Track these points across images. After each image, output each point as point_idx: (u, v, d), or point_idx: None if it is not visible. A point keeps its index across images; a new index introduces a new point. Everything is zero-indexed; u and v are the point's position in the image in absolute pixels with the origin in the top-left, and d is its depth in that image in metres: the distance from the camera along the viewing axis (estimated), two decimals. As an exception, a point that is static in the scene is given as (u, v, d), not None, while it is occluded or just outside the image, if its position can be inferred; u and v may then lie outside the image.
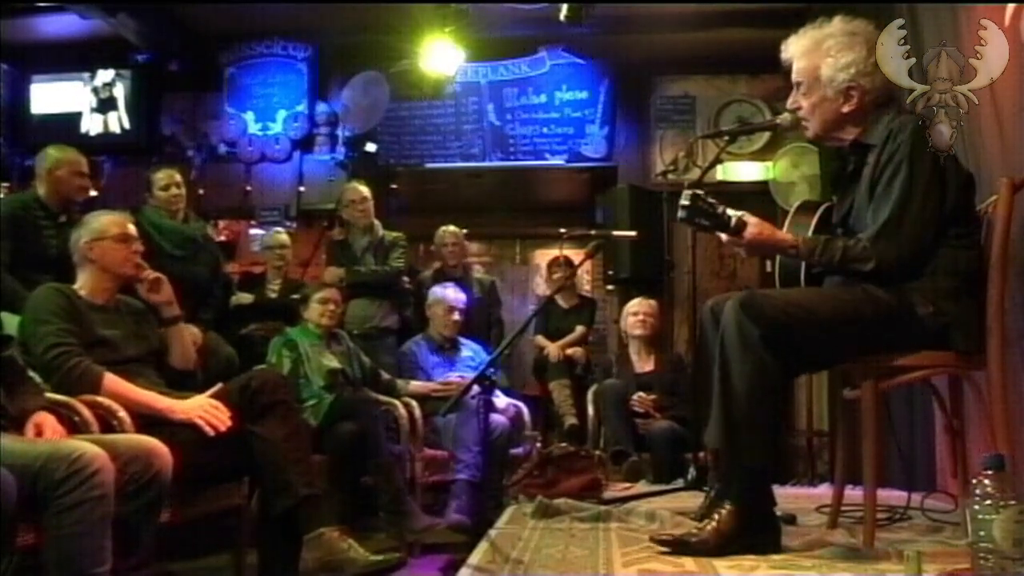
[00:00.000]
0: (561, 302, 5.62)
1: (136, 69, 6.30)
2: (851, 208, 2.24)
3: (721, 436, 2.07)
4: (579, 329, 5.58)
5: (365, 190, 4.85)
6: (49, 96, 6.41)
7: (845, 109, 2.20)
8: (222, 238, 6.12)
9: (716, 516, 2.04)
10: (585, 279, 7.34)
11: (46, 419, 2.05)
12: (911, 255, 2.08)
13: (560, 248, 5.54)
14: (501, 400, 4.19)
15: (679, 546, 2.03)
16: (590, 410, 4.59)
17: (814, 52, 2.22)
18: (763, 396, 2.03)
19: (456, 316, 4.48)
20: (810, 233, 2.29)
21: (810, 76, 2.23)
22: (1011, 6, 2.51)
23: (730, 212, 2.14)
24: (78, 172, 3.77)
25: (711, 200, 2.12)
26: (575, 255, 5.66)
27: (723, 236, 2.18)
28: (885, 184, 2.09)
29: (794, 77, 2.27)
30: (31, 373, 2.32)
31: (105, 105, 6.36)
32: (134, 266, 2.72)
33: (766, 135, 5.92)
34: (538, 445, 4.45)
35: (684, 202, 2.11)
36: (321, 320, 3.96)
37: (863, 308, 2.07)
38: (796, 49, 2.27)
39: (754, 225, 2.15)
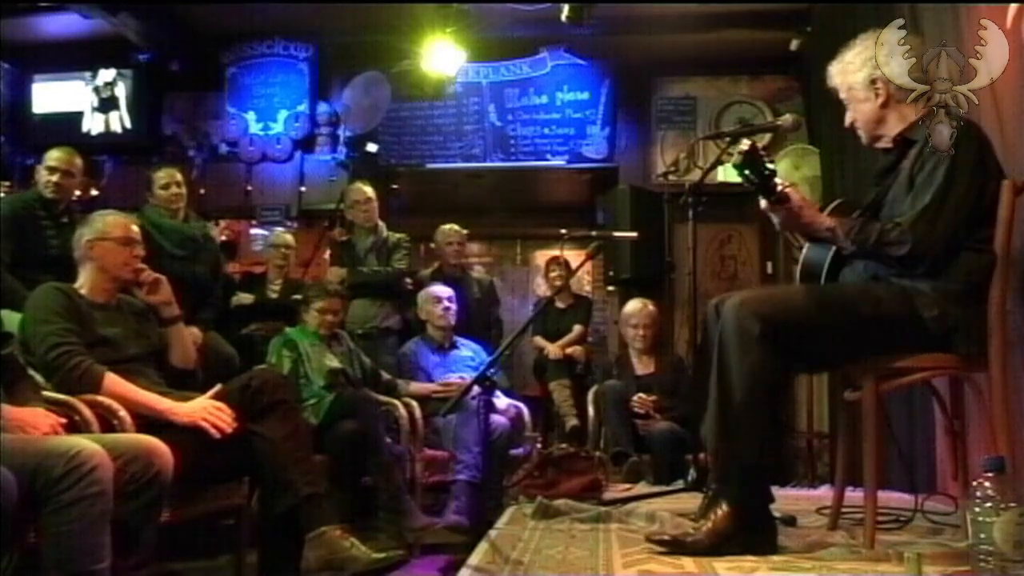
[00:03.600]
0: (557, 302, 5.63)
1: (137, 69, 6.31)
2: (883, 199, 2.25)
3: (717, 433, 2.07)
4: (577, 328, 5.58)
5: (369, 191, 4.85)
6: (50, 95, 6.43)
7: (879, 103, 2.25)
8: (223, 238, 6.12)
9: (712, 516, 2.04)
10: (586, 280, 7.35)
11: (35, 414, 2.04)
12: (944, 245, 2.08)
13: (561, 249, 5.54)
14: (501, 401, 4.19)
15: (675, 546, 2.03)
16: (590, 411, 4.59)
17: (842, 67, 2.32)
18: (761, 394, 2.03)
19: (447, 305, 4.48)
20: None
21: (845, 89, 2.32)
22: (1013, 7, 2.52)
23: (778, 180, 2.15)
24: (49, 168, 3.76)
25: (768, 161, 2.13)
26: (576, 256, 5.67)
27: (763, 201, 2.20)
28: (928, 173, 2.11)
29: (841, 97, 2.36)
30: (31, 372, 2.33)
31: (106, 105, 6.38)
32: (133, 270, 2.72)
33: (767, 136, 5.90)
34: (538, 446, 4.45)
35: (742, 148, 2.12)
36: (319, 329, 3.95)
37: (863, 309, 2.07)
38: (833, 74, 2.36)
39: (798, 200, 2.18)
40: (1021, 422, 2.33)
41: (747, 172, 2.12)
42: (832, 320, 2.08)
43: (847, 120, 2.37)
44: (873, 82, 2.23)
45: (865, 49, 2.24)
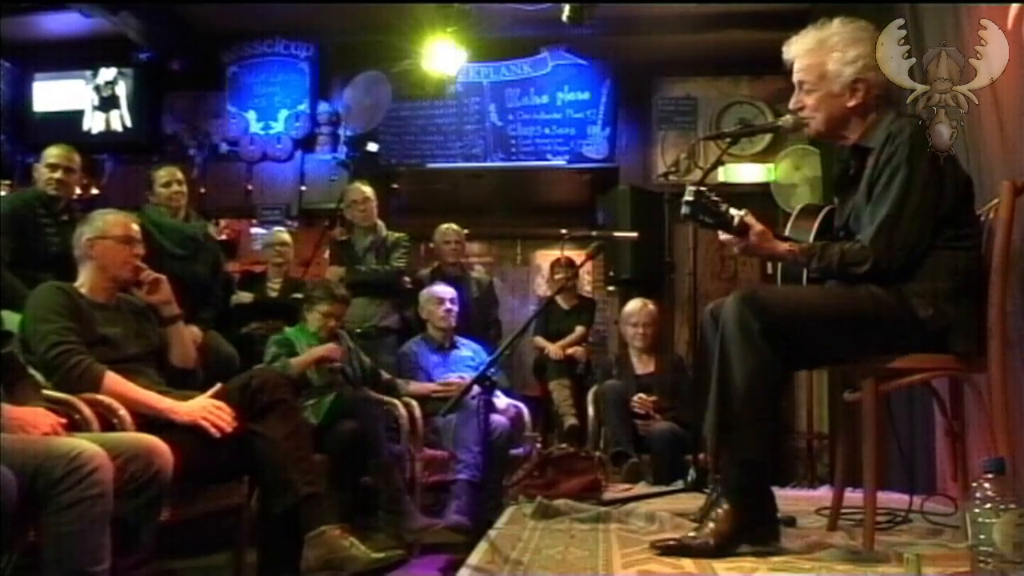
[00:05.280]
0: (561, 303, 5.62)
1: (138, 67, 6.31)
2: (852, 211, 2.25)
3: (717, 428, 2.07)
4: (579, 329, 5.57)
5: (368, 190, 4.85)
6: (51, 94, 6.43)
7: (851, 103, 2.20)
8: (223, 237, 6.12)
9: (714, 516, 2.04)
10: (586, 280, 7.35)
11: (35, 413, 2.04)
12: (907, 255, 2.09)
13: (561, 249, 5.54)
14: (501, 400, 4.18)
15: (680, 550, 2.03)
16: (590, 411, 4.59)
17: (819, 49, 2.23)
18: (762, 389, 2.04)
19: (448, 306, 4.48)
20: (812, 237, 2.29)
21: (815, 73, 2.23)
22: (1014, 7, 2.51)
23: (733, 212, 2.14)
24: (50, 165, 3.76)
25: (715, 198, 2.13)
26: (576, 256, 5.67)
27: (723, 236, 2.19)
28: (883, 185, 2.11)
29: (797, 76, 2.28)
30: (31, 371, 2.33)
31: (107, 103, 6.38)
32: (133, 269, 2.72)
33: (768, 137, 5.92)
34: (538, 446, 4.44)
35: (688, 198, 2.11)
36: (320, 332, 3.92)
37: (864, 306, 2.07)
38: (799, 48, 2.27)
39: (756, 234, 2.15)
40: (1021, 423, 2.33)
41: (701, 217, 2.13)
42: (833, 316, 2.08)
43: (795, 102, 2.29)
44: (856, 81, 2.18)
45: (859, 43, 2.17)
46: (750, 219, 2.16)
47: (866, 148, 2.21)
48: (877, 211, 2.10)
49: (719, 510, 2.05)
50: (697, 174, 5.28)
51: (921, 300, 2.07)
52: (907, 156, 2.07)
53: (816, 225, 2.33)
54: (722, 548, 2.01)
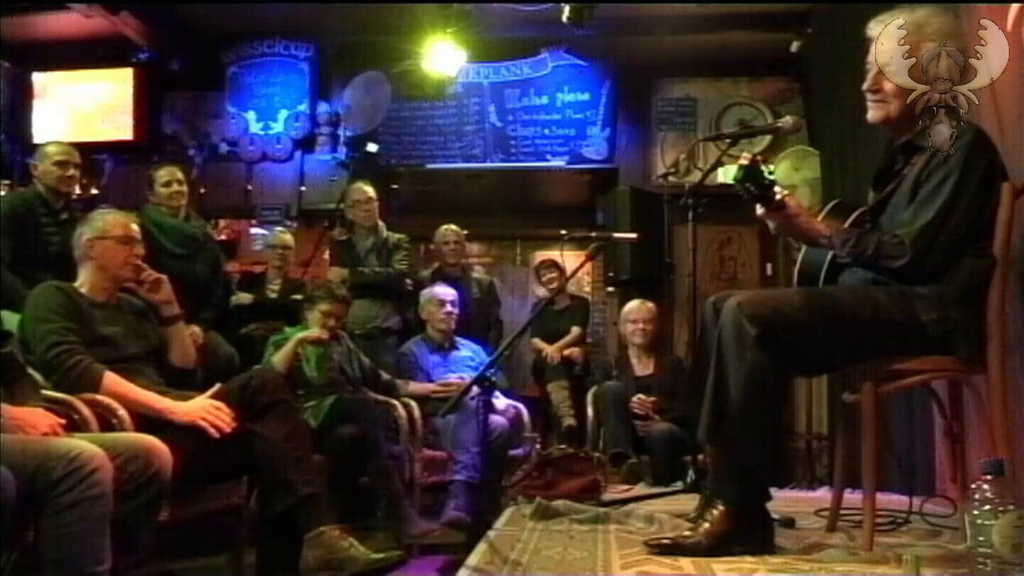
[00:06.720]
0: (553, 303, 5.62)
1: (138, 68, 6.30)
2: (885, 204, 2.24)
3: (712, 433, 2.07)
4: (575, 330, 5.56)
5: (371, 191, 4.85)
6: (51, 94, 6.41)
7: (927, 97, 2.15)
8: (223, 237, 6.13)
9: (709, 517, 2.04)
10: (585, 280, 7.35)
11: (34, 414, 2.04)
12: (944, 260, 2.07)
13: (561, 250, 5.54)
14: (501, 401, 4.18)
15: (673, 548, 2.03)
16: (589, 412, 4.59)
17: (916, 33, 2.15)
18: (758, 395, 2.03)
19: (449, 309, 4.48)
20: None
21: (907, 57, 2.13)
22: (1014, 8, 2.51)
23: (777, 188, 2.14)
24: (59, 163, 3.76)
25: (764, 170, 2.12)
26: (575, 257, 5.66)
27: (760, 209, 2.18)
28: (934, 186, 2.08)
29: (881, 57, 2.19)
30: (31, 371, 2.32)
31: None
32: (133, 268, 2.72)
33: (767, 138, 5.91)
34: (537, 446, 4.44)
35: (743, 163, 2.10)
36: (321, 334, 3.90)
37: (863, 311, 2.07)
38: (906, 31, 2.16)
39: (794, 207, 2.16)
40: (1020, 425, 2.33)
41: (748, 184, 2.12)
42: (830, 323, 2.07)
43: (869, 83, 2.22)
44: None
45: (954, 38, 2.10)
46: (788, 197, 2.16)
47: (916, 146, 2.18)
48: (923, 211, 2.08)
49: (714, 511, 2.05)
50: (696, 175, 5.29)
51: (926, 303, 2.06)
52: (963, 162, 2.04)
53: (847, 224, 2.31)
54: (714, 549, 2.00)
